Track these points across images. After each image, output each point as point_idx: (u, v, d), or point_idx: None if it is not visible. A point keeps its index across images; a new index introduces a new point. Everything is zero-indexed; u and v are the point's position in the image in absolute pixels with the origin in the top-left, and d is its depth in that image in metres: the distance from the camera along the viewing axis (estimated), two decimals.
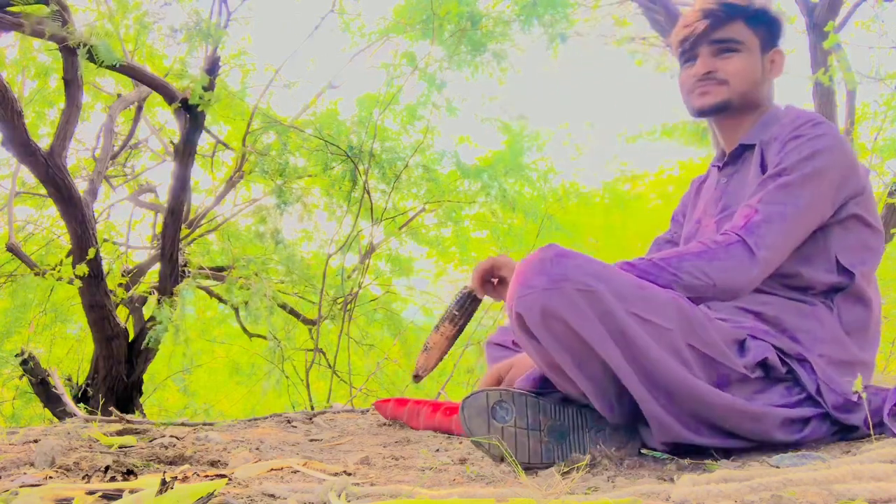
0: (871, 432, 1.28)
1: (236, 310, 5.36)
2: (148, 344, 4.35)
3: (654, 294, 1.17)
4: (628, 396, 1.21)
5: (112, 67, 3.86)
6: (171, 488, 0.86)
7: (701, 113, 1.46)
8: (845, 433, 1.31)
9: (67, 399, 4.09)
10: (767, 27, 1.45)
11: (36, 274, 4.76)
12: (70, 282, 4.29)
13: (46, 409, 4.78)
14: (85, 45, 3.57)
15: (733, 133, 1.49)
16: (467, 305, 1.43)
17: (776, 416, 1.21)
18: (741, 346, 1.26)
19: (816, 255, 1.34)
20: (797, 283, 1.35)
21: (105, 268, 4.86)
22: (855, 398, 1.28)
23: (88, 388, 4.88)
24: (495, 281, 1.43)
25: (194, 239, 6.04)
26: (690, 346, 1.17)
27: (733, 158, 1.48)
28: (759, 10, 1.44)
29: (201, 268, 5.47)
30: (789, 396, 1.26)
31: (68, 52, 3.82)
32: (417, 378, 1.43)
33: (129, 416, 2.56)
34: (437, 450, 1.68)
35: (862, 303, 1.36)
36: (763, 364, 1.25)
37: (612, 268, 1.19)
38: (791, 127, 1.36)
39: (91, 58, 3.73)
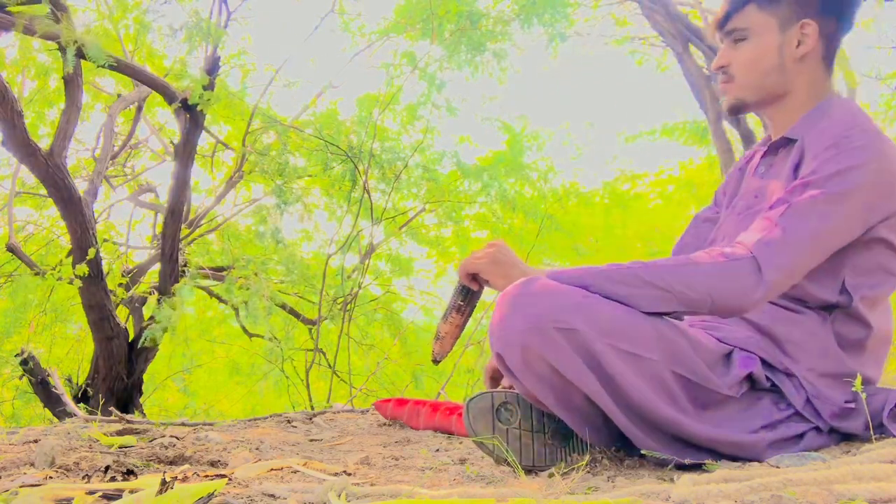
0: (871, 433, 1.28)
1: (236, 310, 5.36)
2: (144, 343, 4.34)
3: (636, 324, 1.13)
4: (613, 423, 1.21)
5: (106, 66, 3.84)
6: (171, 488, 0.86)
7: (727, 113, 1.40)
8: (844, 440, 1.31)
9: (67, 399, 4.09)
10: (790, 2, 1.28)
11: (36, 274, 4.76)
12: (70, 282, 4.29)
13: (46, 409, 4.78)
14: (76, 42, 3.55)
15: (777, 121, 1.37)
16: (471, 295, 1.41)
17: (761, 442, 1.19)
18: (727, 360, 1.23)
19: (822, 273, 1.24)
20: (793, 293, 1.27)
21: (105, 268, 4.86)
22: (851, 405, 1.24)
23: (88, 388, 4.88)
24: None
25: (194, 239, 6.04)
26: (674, 374, 1.15)
27: (775, 149, 1.37)
28: None
29: (201, 268, 5.47)
30: (777, 412, 1.23)
31: (69, 53, 3.81)
32: (436, 362, 1.43)
33: (129, 416, 2.56)
34: (437, 450, 1.68)
35: (860, 323, 1.27)
36: (749, 377, 1.23)
37: (592, 299, 1.13)
38: (834, 131, 1.22)
39: (82, 55, 3.72)
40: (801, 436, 1.24)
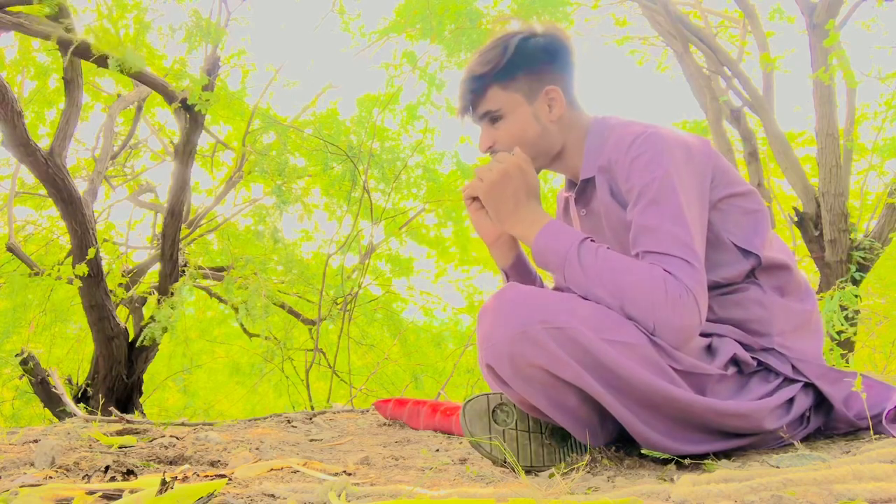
0: (871, 431, 1.28)
1: (236, 309, 5.37)
2: (143, 341, 4.34)
3: (618, 316, 1.16)
4: (610, 420, 1.21)
5: (122, 71, 3.82)
6: (171, 488, 0.86)
7: None
8: (824, 411, 1.32)
9: (67, 399, 4.09)
10: (527, 74, 1.36)
11: (35, 274, 4.76)
12: (70, 282, 4.28)
13: (46, 409, 4.78)
14: (72, 38, 3.54)
15: (565, 169, 1.44)
16: None
17: (763, 409, 1.21)
18: (708, 349, 1.27)
19: (718, 255, 1.31)
20: (719, 284, 1.34)
21: (105, 268, 4.86)
22: (832, 367, 1.31)
23: (88, 388, 4.88)
24: None
25: (194, 239, 6.04)
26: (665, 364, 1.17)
27: (581, 192, 1.42)
28: (507, 65, 1.34)
29: (201, 267, 5.47)
30: (768, 384, 1.27)
31: (68, 52, 3.81)
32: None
33: (129, 416, 2.56)
34: (437, 450, 1.68)
35: (779, 267, 1.34)
36: (734, 361, 1.26)
37: (570, 298, 1.16)
38: (624, 147, 1.28)
39: (82, 55, 3.70)
40: (791, 400, 1.27)
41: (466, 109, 1.41)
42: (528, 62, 1.36)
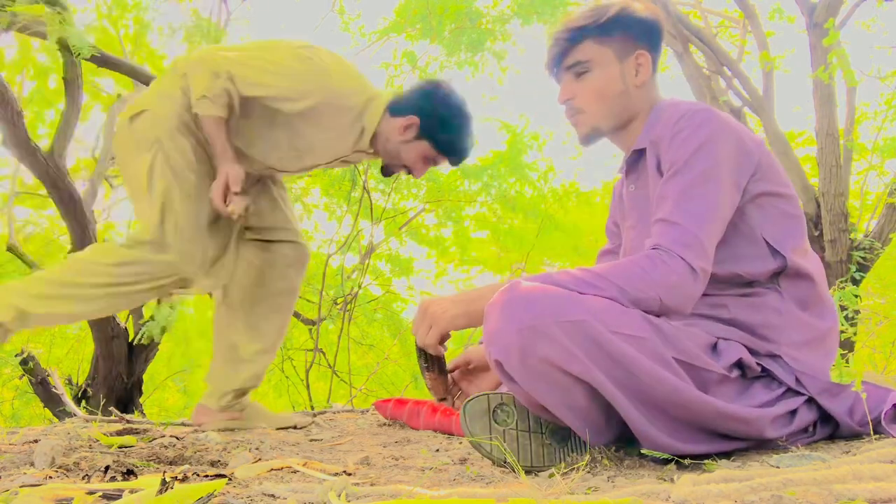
0: (871, 432, 1.28)
1: None
2: (141, 340, 4.34)
3: (627, 311, 1.16)
4: (615, 420, 1.21)
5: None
6: (171, 488, 0.86)
7: (581, 143, 1.48)
8: (831, 425, 1.32)
9: (67, 399, 4.09)
10: (622, 35, 1.41)
11: None
12: None
13: (46, 409, 4.77)
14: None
15: (625, 142, 1.47)
16: (430, 356, 1.42)
17: (765, 417, 1.21)
18: (714, 349, 1.27)
19: (746, 248, 1.32)
20: (740, 281, 1.34)
21: None
22: (837, 383, 1.30)
23: (88, 388, 4.88)
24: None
25: None
26: (672, 357, 1.16)
27: (632, 164, 1.46)
28: (607, 22, 1.39)
29: None
30: (771, 392, 1.27)
31: (68, 52, 3.80)
32: (443, 401, 1.49)
33: (129, 416, 2.56)
34: (437, 450, 1.68)
35: (804, 277, 1.34)
36: (738, 364, 1.26)
37: (577, 294, 1.16)
38: (672, 122, 1.33)
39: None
40: (794, 412, 1.27)
41: (556, 59, 1.43)
42: (625, 25, 1.40)
